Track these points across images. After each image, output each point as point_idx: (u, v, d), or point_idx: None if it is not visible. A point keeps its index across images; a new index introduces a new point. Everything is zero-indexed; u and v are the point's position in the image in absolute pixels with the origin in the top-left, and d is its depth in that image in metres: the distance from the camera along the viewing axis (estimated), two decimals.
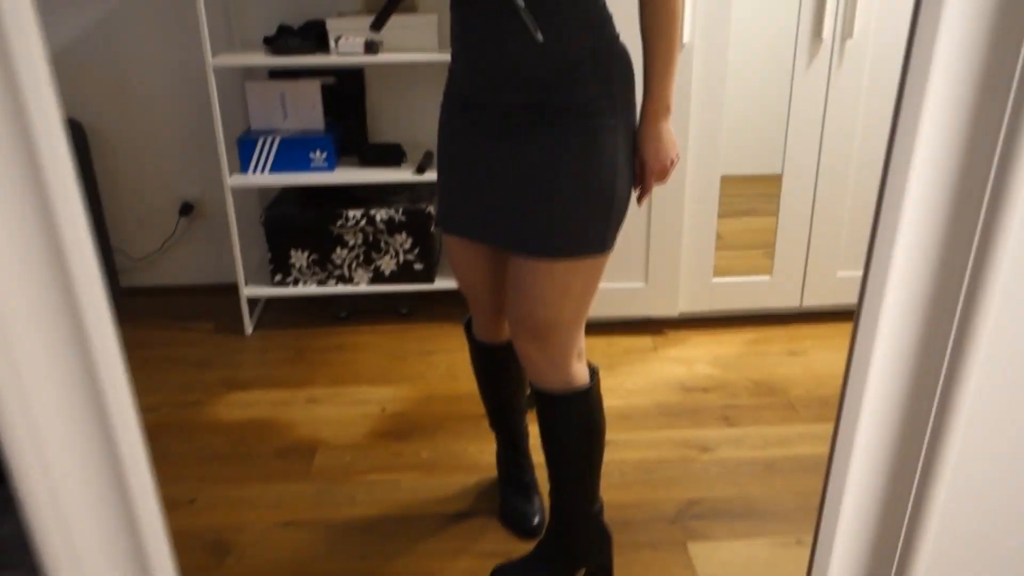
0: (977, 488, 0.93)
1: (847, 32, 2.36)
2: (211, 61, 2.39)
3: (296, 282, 2.71)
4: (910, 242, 0.66)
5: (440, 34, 2.53)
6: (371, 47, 2.45)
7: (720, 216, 2.57)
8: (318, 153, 2.62)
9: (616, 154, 1.36)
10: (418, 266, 2.71)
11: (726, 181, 2.54)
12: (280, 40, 2.51)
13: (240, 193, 2.81)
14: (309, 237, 2.67)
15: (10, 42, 0.56)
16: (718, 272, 2.64)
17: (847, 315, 2.43)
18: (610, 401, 2.31)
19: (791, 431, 2.18)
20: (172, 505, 1.91)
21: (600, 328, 2.64)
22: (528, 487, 1.89)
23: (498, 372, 1.75)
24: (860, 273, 0.74)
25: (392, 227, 2.65)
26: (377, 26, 1.38)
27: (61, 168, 0.61)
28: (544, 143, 1.34)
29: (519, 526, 1.83)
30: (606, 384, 2.41)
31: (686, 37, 2.31)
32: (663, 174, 1.45)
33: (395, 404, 2.33)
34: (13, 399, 0.62)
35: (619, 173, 1.37)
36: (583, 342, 1.49)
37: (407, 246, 2.68)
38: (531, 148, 1.35)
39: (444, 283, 2.72)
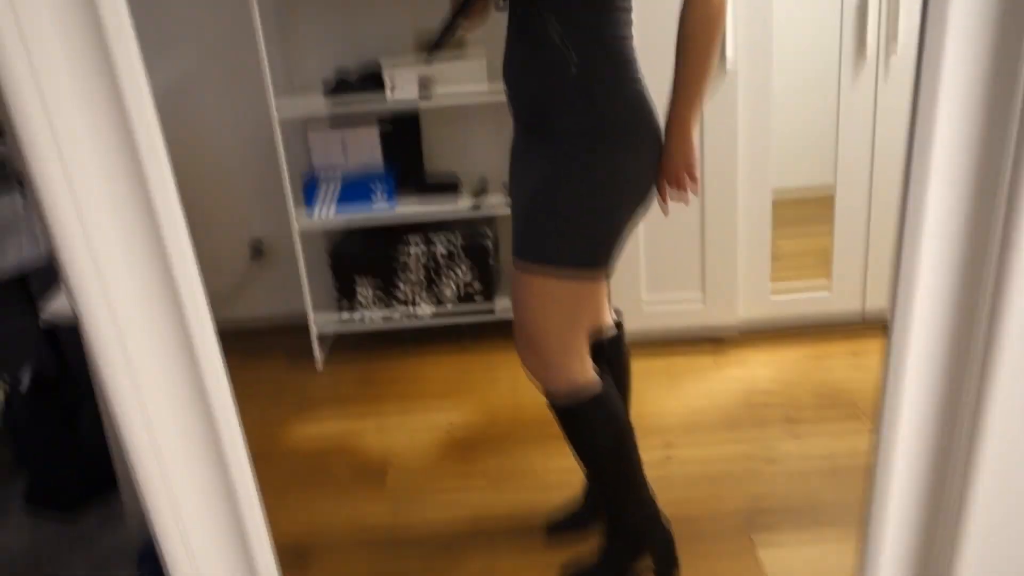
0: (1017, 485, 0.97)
1: (891, 48, 2.39)
2: (275, 114, 2.54)
3: (363, 312, 2.83)
4: (934, 247, 0.71)
5: (489, 70, 2.63)
6: (424, 90, 2.57)
7: (777, 235, 2.62)
8: (379, 191, 2.74)
9: (608, 177, 1.44)
10: (478, 297, 2.80)
11: (781, 204, 2.59)
12: (339, 89, 2.66)
13: (307, 234, 2.95)
14: (374, 268, 2.79)
15: (126, 97, 0.66)
16: (776, 290, 2.69)
17: None
18: (673, 415, 2.37)
19: (856, 438, 2.19)
20: None
21: (661, 344, 2.69)
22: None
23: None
24: None
25: (452, 256, 2.76)
26: (431, 55, 1.54)
27: (173, 215, 0.70)
28: (543, 161, 1.47)
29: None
30: (667, 400, 2.48)
31: (729, 62, 2.37)
32: (676, 181, 1.51)
33: (461, 423, 2.41)
34: (140, 427, 0.72)
35: (606, 195, 1.45)
36: (584, 349, 1.55)
37: (468, 277, 2.78)
38: (534, 166, 1.50)
39: (504, 311, 2.80)
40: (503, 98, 1.59)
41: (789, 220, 2.82)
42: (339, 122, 2.83)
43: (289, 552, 1.92)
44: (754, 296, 2.69)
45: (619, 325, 1.79)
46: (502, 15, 1.51)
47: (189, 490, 0.76)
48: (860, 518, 0.89)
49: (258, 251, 3.08)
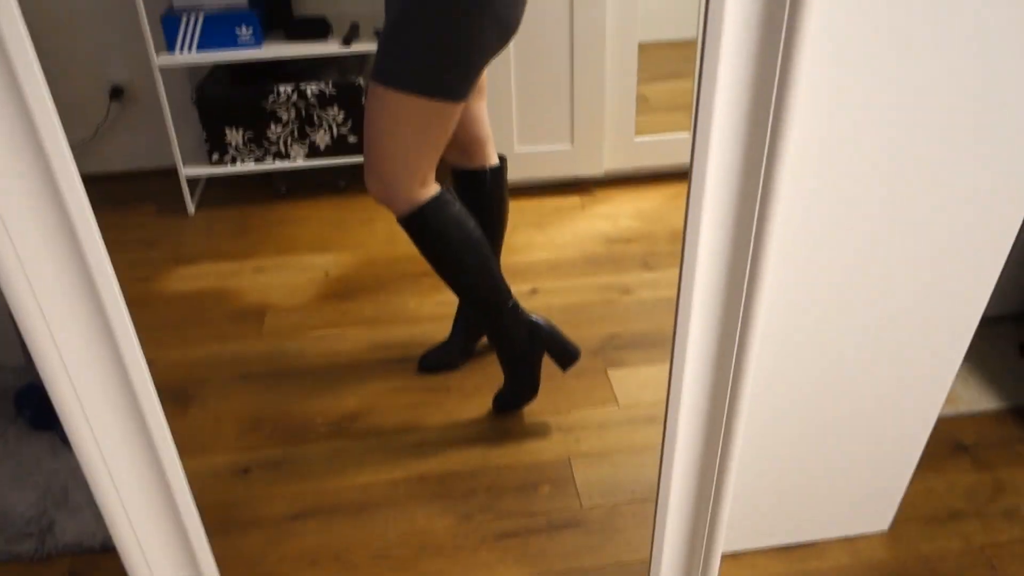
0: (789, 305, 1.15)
1: None
2: None
3: (234, 160, 2.80)
4: (726, 98, 0.83)
5: None
6: None
7: (645, 81, 2.71)
8: (244, 29, 2.65)
9: (464, 4, 1.43)
10: (352, 139, 2.80)
11: (648, 47, 2.67)
12: None
13: (169, 73, 2.83)
14: (243, 115, 2.73)
15: None
16: (640, 132, 2.81)
17: None
18: (539, 255, 2.52)
19: None
20: None
21: (530, 190, 2.80)
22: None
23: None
24: None
25: (324, 101, 2.73)
26: None
27: (27, 59, 0.73)
28: None
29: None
30: (536, 239, 2.63)
31: None
32: None
33: (338, 268, 2.49)
34: (18, 277, 0.77)
35: (460, 22, 1.44)
36: (429, 174, 1.60)
37: (340, 119, 2.77)
38: None
39: None
40: None
41: (656, 71, 2.92)
42: None
43: (168, 392, 2.00)
44: (619, 144, 2.82)
45: (502, 159, 1.88)
46: None
47: (69, 333, 0.83)
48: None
49: (118, 95, 2.95)
